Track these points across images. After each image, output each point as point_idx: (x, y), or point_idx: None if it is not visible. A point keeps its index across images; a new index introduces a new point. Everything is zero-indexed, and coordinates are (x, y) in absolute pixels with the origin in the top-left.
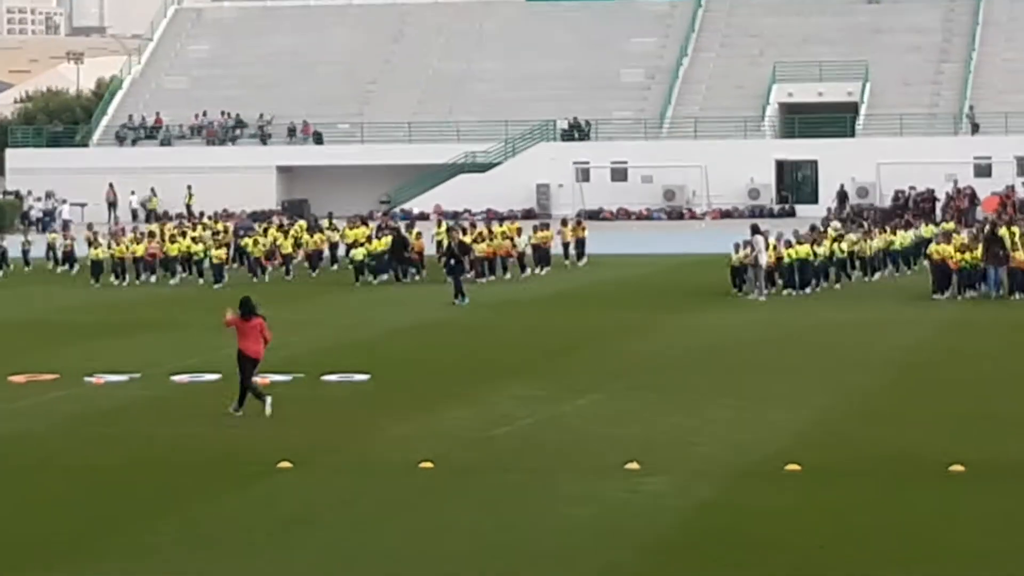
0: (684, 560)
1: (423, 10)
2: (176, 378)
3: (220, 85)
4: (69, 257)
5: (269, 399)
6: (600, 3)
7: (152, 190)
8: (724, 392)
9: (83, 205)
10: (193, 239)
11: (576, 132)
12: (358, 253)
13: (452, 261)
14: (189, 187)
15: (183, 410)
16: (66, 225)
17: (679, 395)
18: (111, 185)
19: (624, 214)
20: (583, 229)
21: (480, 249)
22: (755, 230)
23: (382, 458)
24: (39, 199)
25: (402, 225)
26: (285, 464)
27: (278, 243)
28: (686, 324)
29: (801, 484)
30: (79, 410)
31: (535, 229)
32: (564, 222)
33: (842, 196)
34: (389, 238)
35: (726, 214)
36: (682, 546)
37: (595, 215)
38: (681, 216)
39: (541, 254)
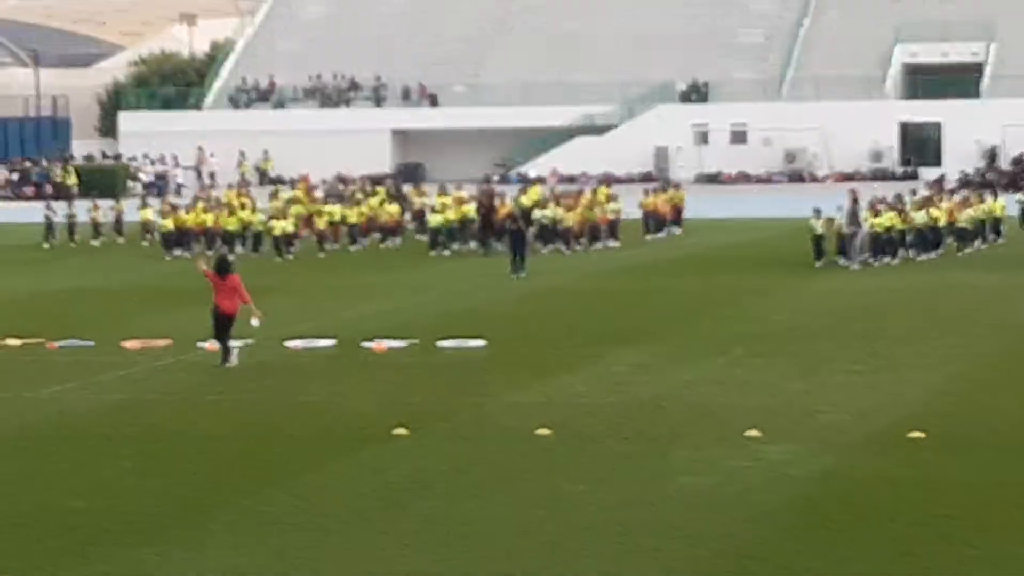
0: (805, 530)
1: None
2: (289, 344)
3: (334, 47)
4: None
5: (235, 351)
6: None
7: (265, 152)
8: (847, 358)
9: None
10: (252, 210)
11: (695, 94)
12: (434, 219)
13: (516, 229)
14: (265, 152)
15: (296, 376)
16: (179, 189)
17: (801, 361)
18: (200, 148)
19: (743, 177)
20: (680, 196)
21: (571, 217)
22: (852, 198)
23: (497, 425)
24: (151, 163)
25: (496, 189)
26: (400, 431)
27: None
28: (808, 289)
29: (926, 453)
30: (190, 378)
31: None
32: (664, 188)
33: (992, 155)
34: (472, 205)
35: (848, 177)
36: (803, 516)
37: (714, 178)
38: (802, 179)
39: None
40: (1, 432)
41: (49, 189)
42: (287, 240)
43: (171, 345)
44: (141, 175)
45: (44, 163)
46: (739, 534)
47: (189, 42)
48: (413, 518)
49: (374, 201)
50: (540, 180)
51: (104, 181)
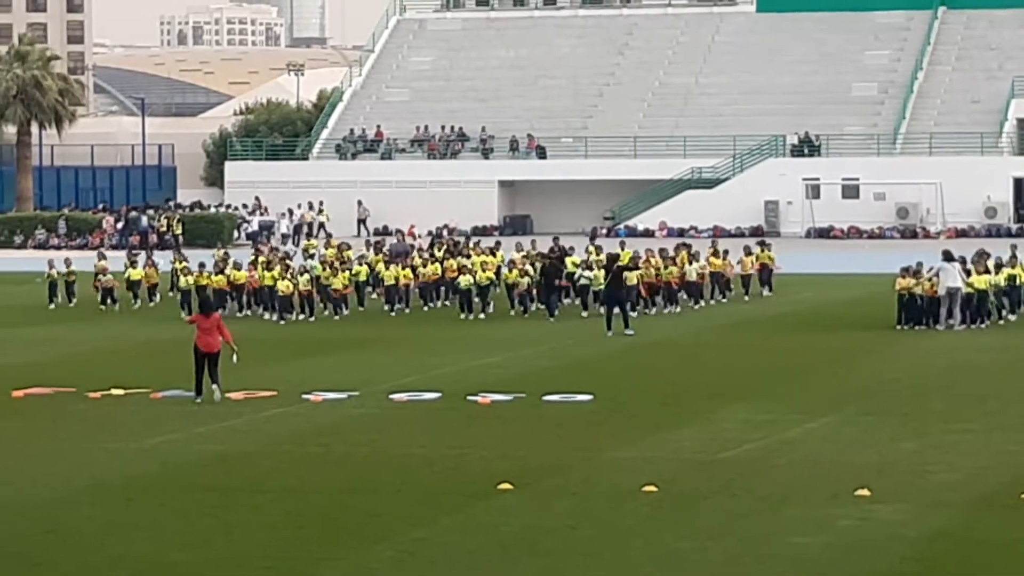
0: None
1: (649, 22)
2: (395, 396)
3: (442, 98)
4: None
5: (217, 388)
6: (833, 15)
7: (359, 203)
8: (959, 418)
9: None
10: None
11: (806, 147)
12: (464, 281)
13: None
14: (320, 203)
15: (401, 429)
16: (284, 239)
17: (912, 420)
18: (310, 204)
19: (855, 232)
20: (769, 256)
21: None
22: (947, 257)
23: (605, 480)
24: (251, 212)
25: (563, 247)
26: (506, 485)
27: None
28: (919, 347)
29: None
30: (296, 428)
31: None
32: (747, 250)
33: None
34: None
35: (962, 233)
36: None
37: (825, 233)
38: (915, 235)
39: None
40: (106, 482)
41: (154, 238)
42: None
43: (275, 396)
44: (245, 225)
45: (149, 212)
46: None
47: (296, 92)
48: (524, 575)
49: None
50: (649, 233)
51: (209, 230)
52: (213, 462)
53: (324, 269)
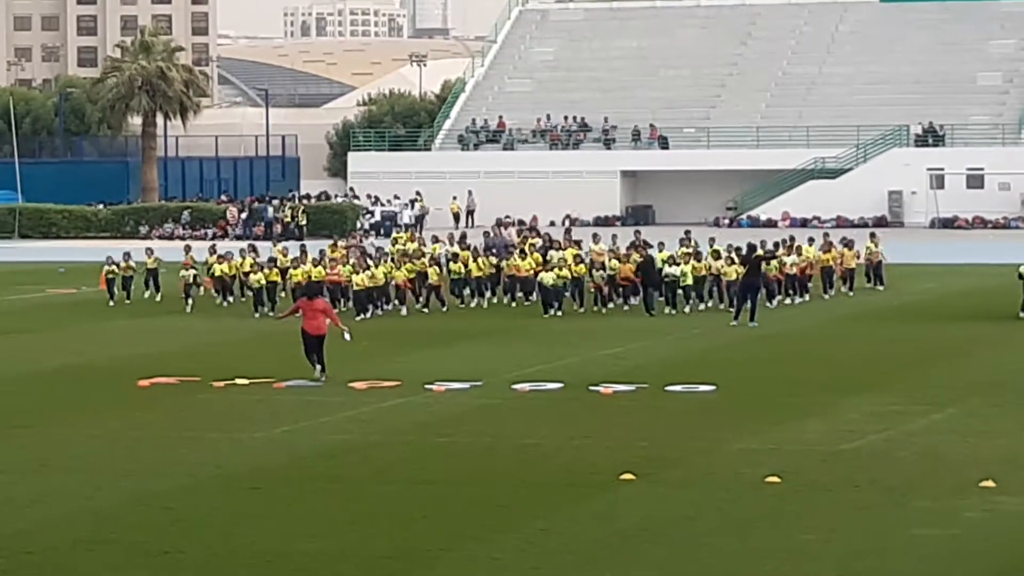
0: None
1: (773, 11)
2: (517, 387)
3: (564, 88)
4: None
5: (320, 369)
6: (957, 3)
7: (469, 194)
8: None
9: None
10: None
11: (930, 137)
12: (547, 278)
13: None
14: (416, 193)
15: (524, 419)
16: (406, 229)
17: None
18: (469, 192)
19: (980, 222)
20: (877, 250)
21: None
22: None
23: (727, 472)
24: (374, 202)
25: (646, 241)
26: (628, 476)
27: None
28: None
29: None
30: (419, 419)
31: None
32: (848, 243)
33: None
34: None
35: None
36: None
37: (950, 223)
38: None
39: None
40: (234, 472)
41: (278, 228)
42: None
43: (399, 386)
44: (368, 215)
45: (274, 202)
46: None
47: (419, 83)
48: (645, 566)
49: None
50: (771, 223)
51: (333, 220)
52: (339, 452)
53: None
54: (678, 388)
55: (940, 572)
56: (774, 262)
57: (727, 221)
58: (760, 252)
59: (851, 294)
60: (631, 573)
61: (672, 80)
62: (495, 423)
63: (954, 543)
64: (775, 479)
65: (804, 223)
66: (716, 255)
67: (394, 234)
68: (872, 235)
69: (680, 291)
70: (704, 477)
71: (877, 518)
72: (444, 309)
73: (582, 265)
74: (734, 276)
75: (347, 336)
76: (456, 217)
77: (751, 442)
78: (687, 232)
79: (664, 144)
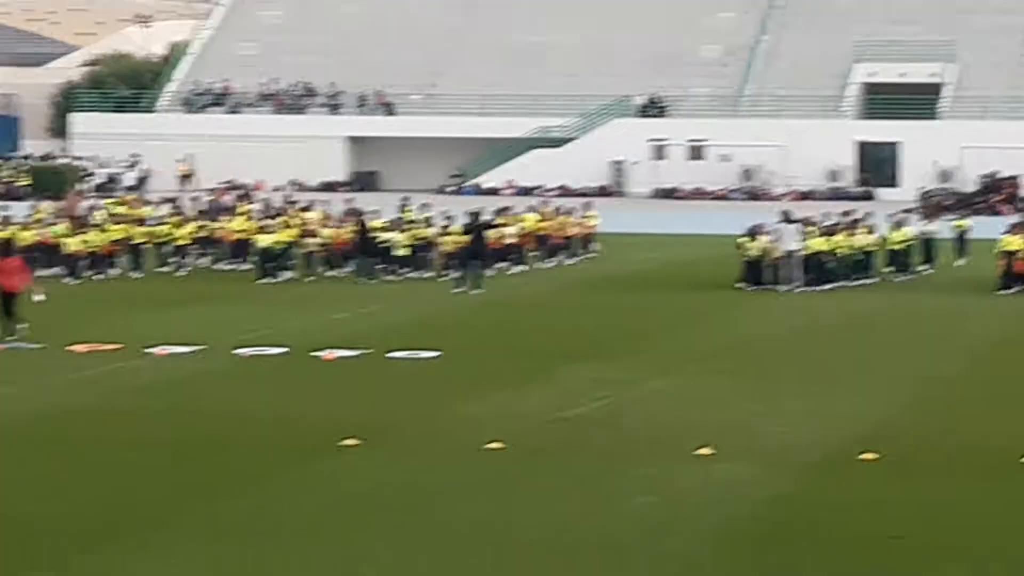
0: (756, 551)
1: None
2: (239, 351)
3: (291, 52)
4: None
5: (21, 327)
6: None
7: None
8: (801, 379)
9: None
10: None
11: (653, 108)
12: (263, 241)
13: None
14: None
15: (246, 384)
16: (129, 191)
17: (755, 381)
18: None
19: (700, 193)
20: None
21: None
22: (786, 218)
23: (450, 437)
24: (98, 164)
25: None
26: (352, 441)
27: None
28: (764, 307)
29: (877, 475)
30: (140, 383)
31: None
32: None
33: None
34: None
35: (805, 195)
36: (755, 536)
37: (671, 193)
38: (758, 196)
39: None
40: None
41: (1, 189)
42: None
43: (120, 349)
44: (91, 176)
45: None
46: (691, 554)
47: (144, 43)
48: (366, 530)
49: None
50: (496, 191)
51: (55, 181)
52: (59, 415)
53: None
54: (401, 354)
55: (658, 538)
56: (495, 230)
57: (452, 188)
58: (483, 220)
59: (569, 262)
60: (353, 537)
61: (399, 47)
62: (217, 388)
63: (671, 510)
64: (497, 445)
65: (528, 191)
66: (427, 223)
67: (115, 197)
68: (587, 205)
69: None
70: (427, 443)
71: (597, 484)
72: (140, 274)
73: (295, 230)
74: (451, 245)
75: (37, 297)
76: (185, 179)
77: (474, 408)
78: (405, 199)
79: (390, 110)
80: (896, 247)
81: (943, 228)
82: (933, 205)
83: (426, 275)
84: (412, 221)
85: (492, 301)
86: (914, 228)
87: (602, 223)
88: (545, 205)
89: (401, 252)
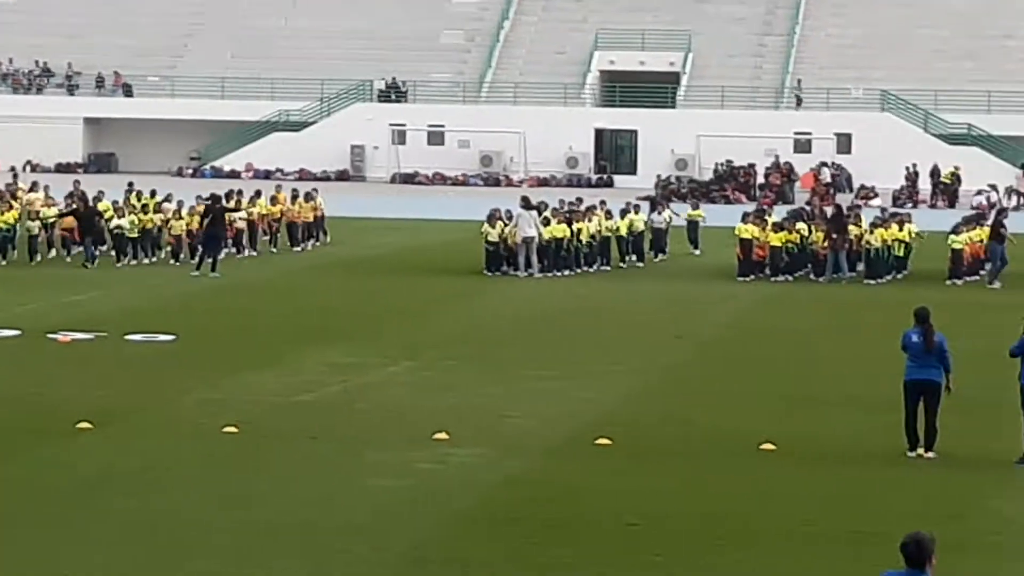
0: (491, 535)
1: None
2: None
3: (27, 33)
4: None
5: None
6: None
7: None
8: (537, 364)
9: None
10: None
11: (393, 93)
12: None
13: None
14: None
15: None
16: None
17: (492, 366)
18: None
19: (440, 178)
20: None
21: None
22: (525, 204)
23: (186, 421)
24: None
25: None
26: (85, 425)
27: None
28: (502, 293)
29: (612, 460)
30: None
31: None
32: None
33: (912, 177)
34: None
35: (544, 182)
36: (490, 520)
37: (410, 179)
38: (498, 183)
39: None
40: None
41: None
42: None
43: None
44: None
45: None
46: (426, 538)
47: None
48: (99, 515)
49: None
50: (236, 174)
51: None
52: None
53: None
54: (138, 337)
55: (393, 522)
56: (238, 213)
57: (190, 171)
58: (226, 203)
59: (307, 247)
60: (85, 521)
61: (138, 27)
62: None
63: (407, 494)
64: (233, 429)
65: (268, 175)
66: (156, 208)
67: None
68: (315, 190)
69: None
70: (163, 427)
71: (333, 468)
72: None
73: (14, 212)
74: (180, 230)
75: None
76: None
77: (210, 392)
78: (130, 184)
79: (129, 92)
80: (633, 235)
81: (678, 217)
82: (667, 194)
83: (154, 260)
84: (145, 205)
85: (229, 285)
86: (649, 216)
87: (342, 207)
88: (279, 191)
89: (130, 236)
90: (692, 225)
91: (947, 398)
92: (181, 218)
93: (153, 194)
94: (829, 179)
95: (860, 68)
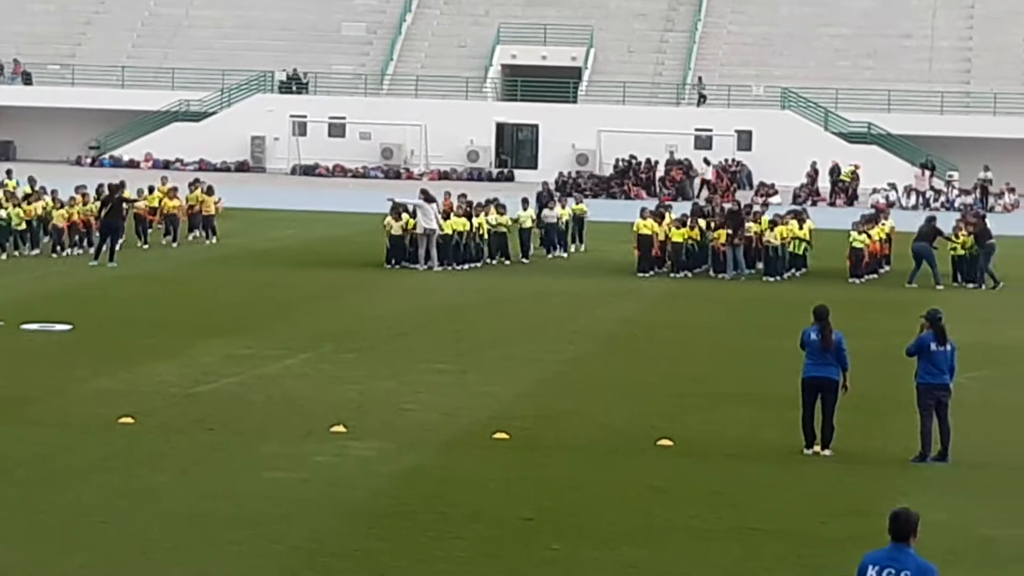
0: (388, 528)
1: None
2: None
3: None
4: None
5: None
6: None
7: None
8: (436, 357)
9: None
10: None
11: (294, 84)
12: None
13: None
14: None
15: None
16: None
17: (391, 359)
18: None
19: (340, 171)
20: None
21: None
22: (425, 197)
23: (81, 412)
24: None
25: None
26: None
27: None
28: (401, 286)
29: (509, 454)
30: None
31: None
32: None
33: (812, 175)
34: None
35: (444, 175)
36: (387, 514)
37: (311, 170)
38: (399, 175)
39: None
40: None
41: None
42: None
43: None
44: None
45: None
46: (322, 530)
47: None
48: None
49: None
50: (135, 164)
51: None
52: None
53: None
54: (34, 327)
55: (290, 514)
56: (140, 202)
57: (89, 160)
58: (125, 194)
59: (206, 239)
60: None
61: (38, 15)
62: None
63: (304, 486)
64: (129, 420)
65: (167, 165)
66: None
67: None
68: (196, 180)
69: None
70: (59, 417)
71: (230, 461)
72: None
73: None
74: (61, 220)
75: None
76: None
77: (106, 383)
78: (9, 171)
79: (28, 80)
80: (532, 229)
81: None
82: (570, 189)
83: (37, 252)
84: (28, 195)
85: (126, 275)
86: (541, 211)
87: (241, 199)
88: (164, 183)
89: (16, 227)
90: (578, 221)
91: (844, 396)
92: (62, 207)
93: (32, 183)
94: (711, 176)
95: (761, 66)
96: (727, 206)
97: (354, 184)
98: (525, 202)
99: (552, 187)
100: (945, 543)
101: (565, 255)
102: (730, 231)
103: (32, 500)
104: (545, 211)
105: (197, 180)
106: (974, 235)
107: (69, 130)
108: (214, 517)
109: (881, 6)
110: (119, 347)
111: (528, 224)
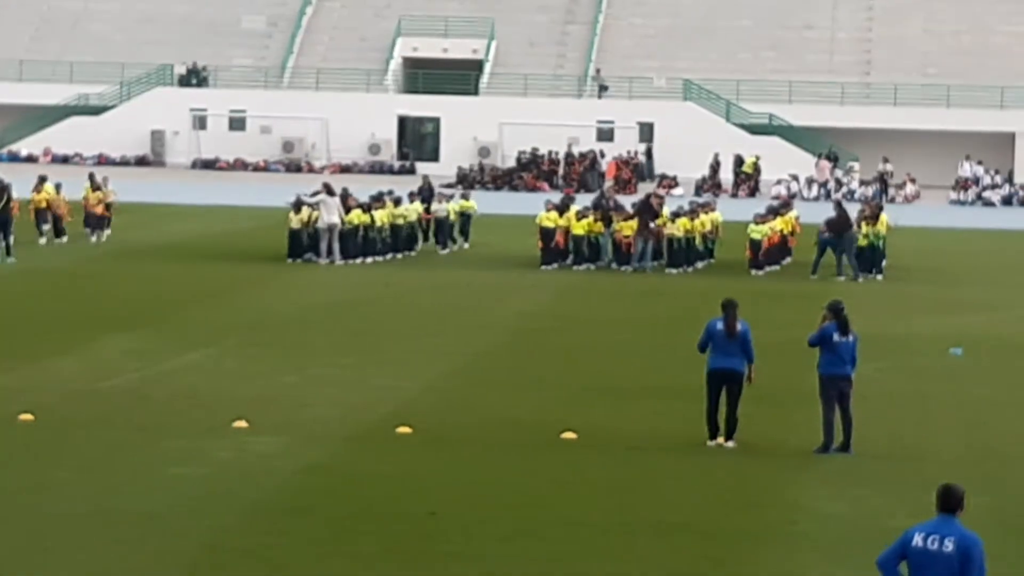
0: (290, 524)
1: None
2: None
3: None
4: None
5: None
6: None
7: None
8: (339, 352)
9: None
10: None
11: (194, 78)
12: None
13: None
14: None
15: None
16: None
17: (293, 353)
18: None
19: (241, 165)
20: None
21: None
22: (327, 190)
23: None
24: None
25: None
26: None
27: None
28: (301, 280)
29: (413, 449)
30: None
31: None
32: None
33: (715, 166)
34: None
35: (346, 168)
36: (289, 509)
37: (211, 164)
38: (299, 169)
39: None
40: None
41: None
42: None
43: None
44: None
45: None
46: (223, 527)
47: None
48: None
49: None
50: (33, 159)
51: None
52: None
53: None
54: None
55: (192, 510)
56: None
57: None
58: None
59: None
60: None
61: None
62: None
63: (206, 482)
64: (28, 416)
65: (66, 159)
66: None
67: None
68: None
69: None
70: None
71: (131, 456)
72: None
73: None
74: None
75: None
76: None
77: (4, 379)
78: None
79: None
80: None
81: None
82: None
83: None
84: None
85: (25, 269)
86: (451, 204)
87: (141, 193)
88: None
89: None
90: (465, 217)
91: (748, 388)
92: None
93: None
94: (604, 169)
95: (663, 58)
96: (618, 199)
97: (254, 178)
98: (411, 196)
99: (432, 182)
100: (847, 534)
101: (445, 251)
102: (643, 224)
103: None
104: (434, 205)
105: (44, 178)
106: (834, 224)
107: None
108: (116, 513)
109: None
110: (18, 342)
111: (414, 217)
